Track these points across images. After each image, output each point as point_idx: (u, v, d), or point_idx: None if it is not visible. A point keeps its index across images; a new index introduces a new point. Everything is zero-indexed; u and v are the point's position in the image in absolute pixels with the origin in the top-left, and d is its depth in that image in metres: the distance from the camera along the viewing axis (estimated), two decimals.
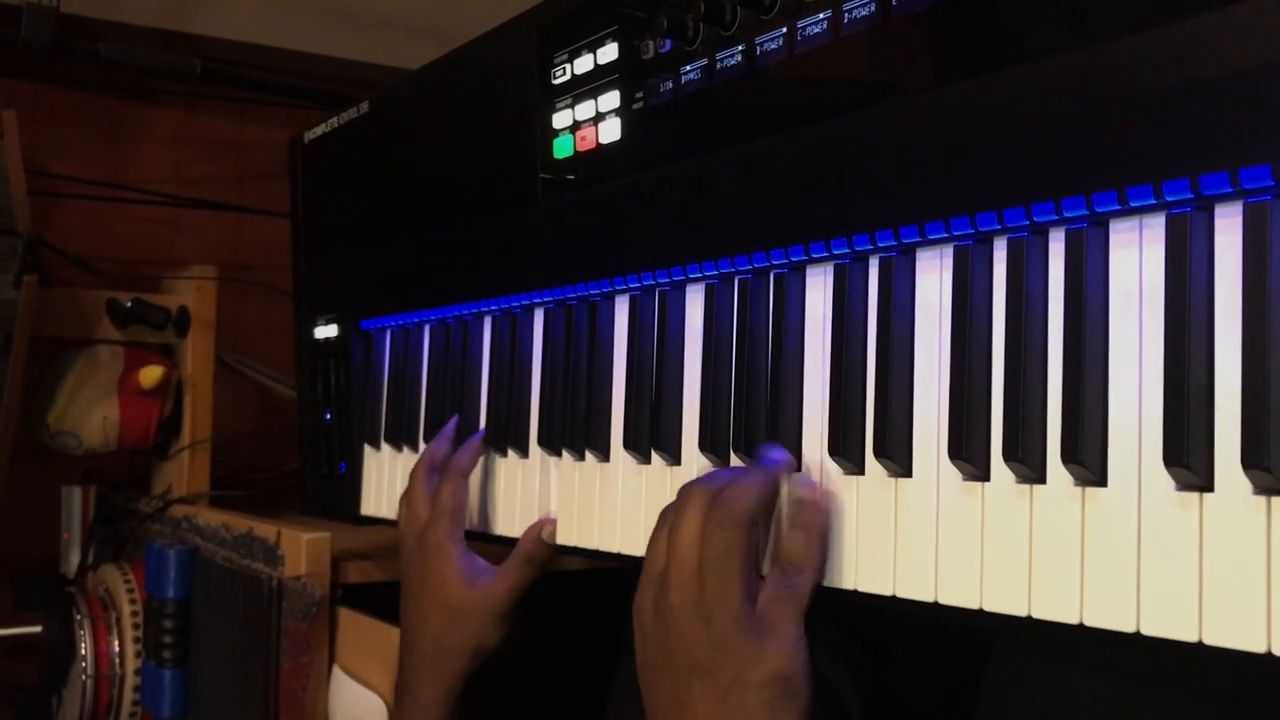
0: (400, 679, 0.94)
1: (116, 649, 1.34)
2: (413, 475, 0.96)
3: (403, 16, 1.82)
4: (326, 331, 1.16)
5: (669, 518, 0.68)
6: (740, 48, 0.71)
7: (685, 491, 0.68)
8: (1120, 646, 0.54)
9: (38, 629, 1.53)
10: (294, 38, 1.78)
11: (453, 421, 0.97)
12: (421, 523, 0.93)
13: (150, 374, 1.46)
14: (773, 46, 0.69)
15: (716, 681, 0.64)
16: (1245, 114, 0.49)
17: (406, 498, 0.96)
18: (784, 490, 0.68)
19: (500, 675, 0.93)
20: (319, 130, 1.17)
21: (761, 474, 0.67)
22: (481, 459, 0.94)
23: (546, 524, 0.87)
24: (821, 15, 0.66)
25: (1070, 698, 0.66)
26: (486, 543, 0.94)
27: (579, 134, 0.83)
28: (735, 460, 0.72)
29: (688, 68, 0.75)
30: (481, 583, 0.90)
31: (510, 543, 0.91)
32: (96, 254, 1.61)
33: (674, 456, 0.77)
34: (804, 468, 0.69)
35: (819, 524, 0.66)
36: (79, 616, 1.35)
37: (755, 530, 0.66)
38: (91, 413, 1.46)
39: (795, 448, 0.69)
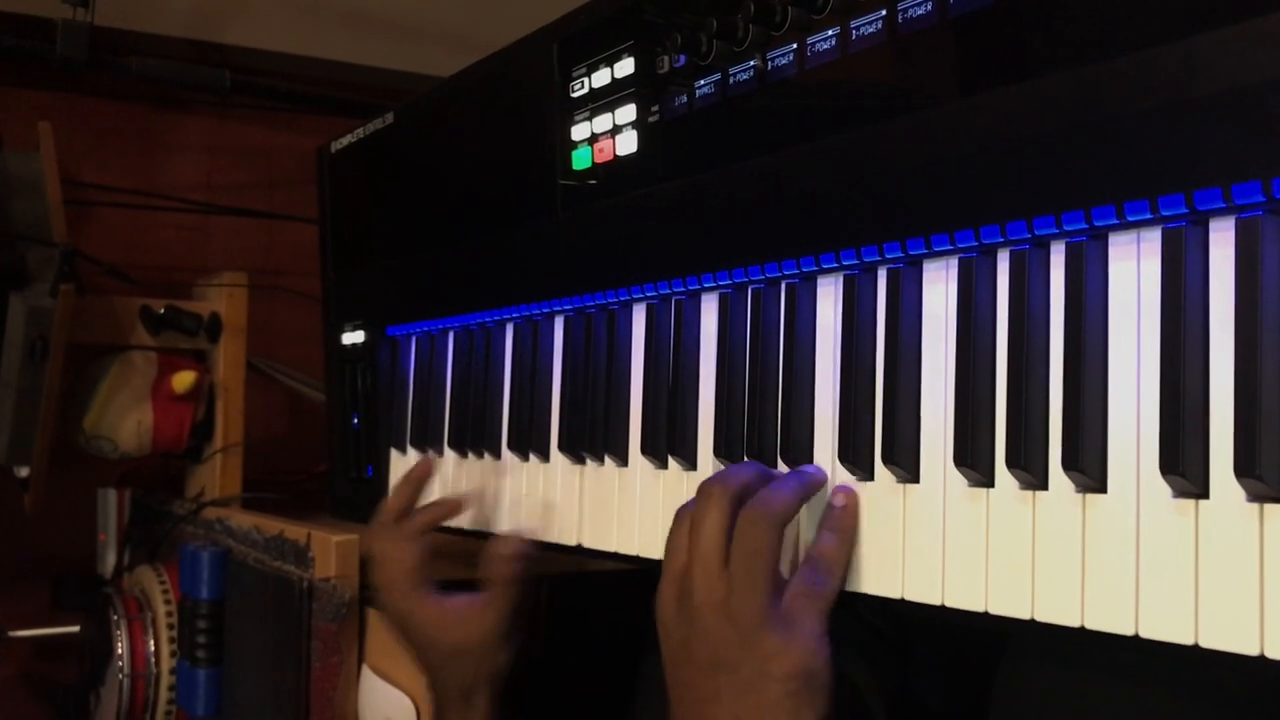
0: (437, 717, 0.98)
1: (152, 649, 1.37)
2: (373, 532, 1.00)
3: (429, 25, 1.84)
4: (354, 338, 1.18)
5: (688, 515, 0.70)
6: (752, 64, 0.73)
7: (705, 490, 0.69)
8: (1120, 649, 0.55)
9: (75, 629, 1.56)
10: (323, 46, 1.81)
11: (423, 463, 1.02)
12: (384, 585, 0.97)
13: (183, 379, 1.49)
14: (783, 63, 0.71)
15: (740, 676, 0.65)
16: (1238, 131, 0.50)
17: (370, 554, 1.00)
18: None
19: (522, 677, 0.95)
20: (345, 140, 1.19)
21: (797, 481, 0.68)
22: (505, 462, 0.97)
23: (498, 541, 0.90)
24: (831, 33, 0.68)
25: (1081, 700, 0.67)
26: None
27: (597, 146, 0.85)
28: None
29: (701, 82, 0.76)
30: (469, 618, 0.93)
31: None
32: (130, 261, 1.64)
33: (690, 461, 0.79)
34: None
35: (852, 529, 0.67)
36: (115, 617, 1.38)
37: (783, 533, 0.67)
38: (126, 417, 1.49)
39: (806, 453, 0.70)
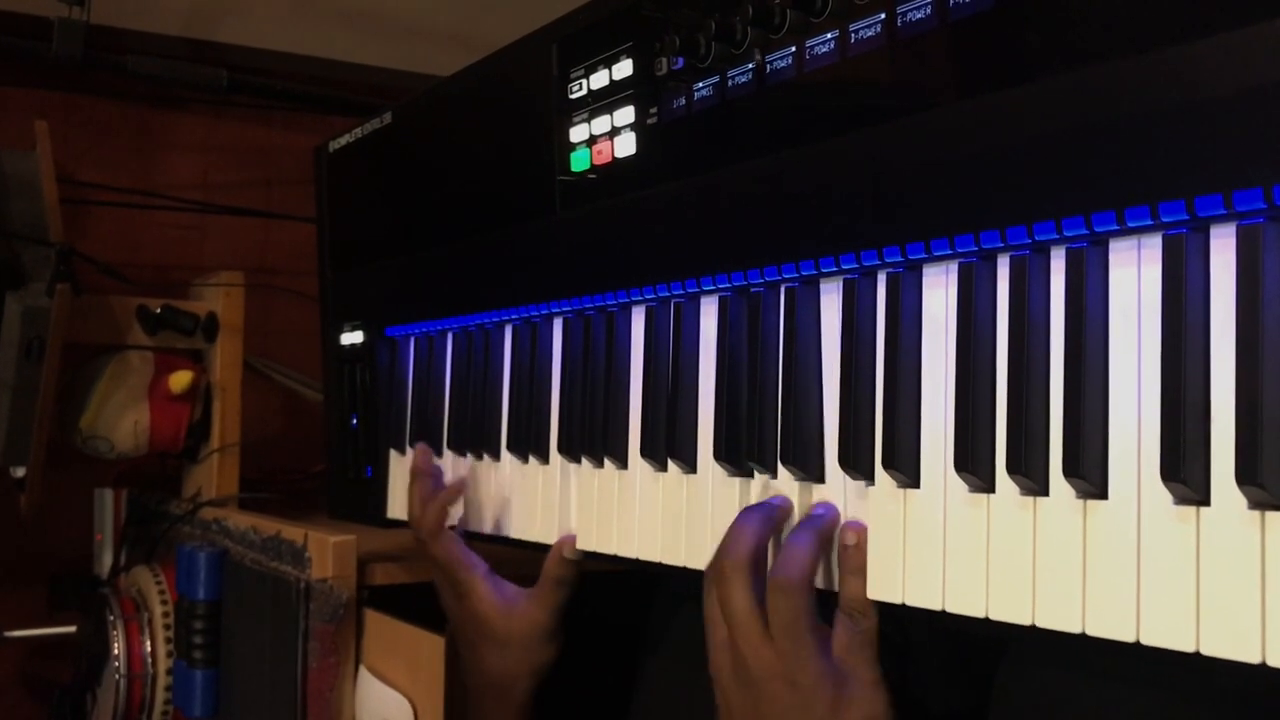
0: (471, 713, 0.98)
1: (149, 649, 1.37)
2: (429, 534, 0.99)
3: (427, 24, 1.84)
4: (352, 338, 1.18)
5: (714, 590, 0.70)
6: (751, 66, 0.72)
7: (718, 572, 0.70)
8: (1122, 655, 0.55)
9: (72, 629, 1.56)
10: (320, 45, 1.80)
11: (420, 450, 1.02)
12: (441, 574, 0.98)
13: (180, 379, 1.49)
14: (782, 65, 0.70)
15: None
16: (1239, 137, 0.50)
17: (409, 509, 1.00)
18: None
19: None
20: (343, 140, 1.19)
21: (814, 533, 0.68)
22: (504, 464, 0.96)
23: (565, 542, 0.90)
24: (830, 36, 0.68)
25: (1081, 702, 0.67)
26: (508, 547, 0.96)
27: (595, 147, 0.85)
28: (751, 468, 0.74)
29: (700, 85, 0.76)
30: (521, 610, 0.94)
31: (531, 547, 0.93)
32: (126, 260, 1.63)
33: (690, 465, 0.79)
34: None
35: (865, 564, 0.67)
36: (112, 617, 1.38)
37: (812, 588, 0.68)
38: (123, 417, 1.49)
39: (806, 457, 0.70)
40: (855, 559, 0.67)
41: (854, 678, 0.67)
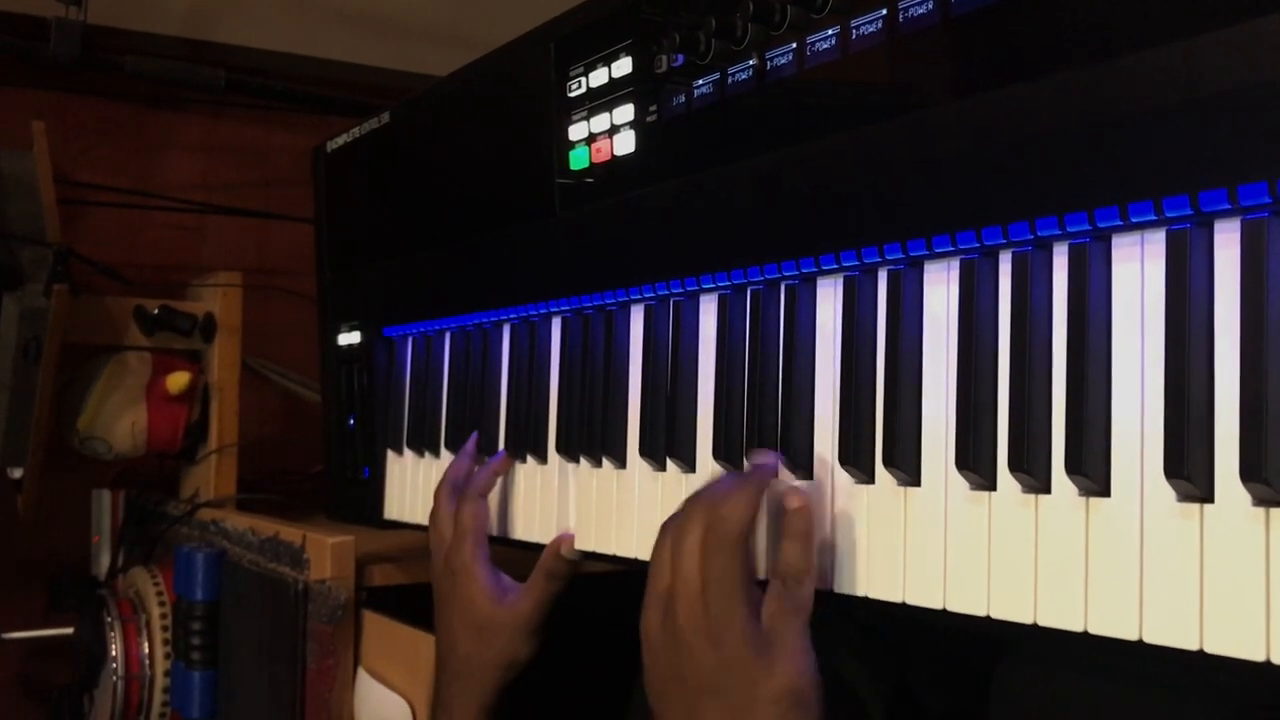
0: (436, 696, 0.96)
1: (146, 651, 1.36)
2: (436, 496, 0.98)
3: (424, 23, 1.84)
4: (350, 338, 1.18)
5: (671, 531, 0.69)
6: (751, 63, 0.72)
7: (688, 509, 0.69)
8: (1124, 654, 0.54)
9: (69, 631, 1.56)
10: (317, 45, 1.80)
11: (473, 438, 0.99)
12: (447, 544, 0.95)
13: (177, 380, 1.49)
14: (782, 62, 0.70)
15: (729, 702, 0.65)
16: (1243, 132, 0.49)
17: (432, 519, 0.98)
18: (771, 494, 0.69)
19: (518, 681, 0.94)
20: (341, 140, 1.18)
21: (749, 486, 0.68)
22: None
23: (565, 539, 0.89)
24: (830, 32, 0.67)
25: (1081, 701, 0.67)
26: (507, 547, 0.96)
27: (594, 146, 0.85)
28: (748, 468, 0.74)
29: (700, 82, 0.76)
30: (509, 600, 0.92)
31: (530, 547, 0.93)
32: (124, 261, 1.63)
33: (689, 464, 0.78)
34: (815, 476, 0.70)
35: (808, 530, 0.67)
36: (109, 619, 1.37)
37: (748, 545, 0.67)
38: (120, 418, 1.48)
39: (807, 456, 0.70)
40: (797, 523, 0.66)
41: (782, 646, 0.65)
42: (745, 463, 0.74)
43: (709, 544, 0.66)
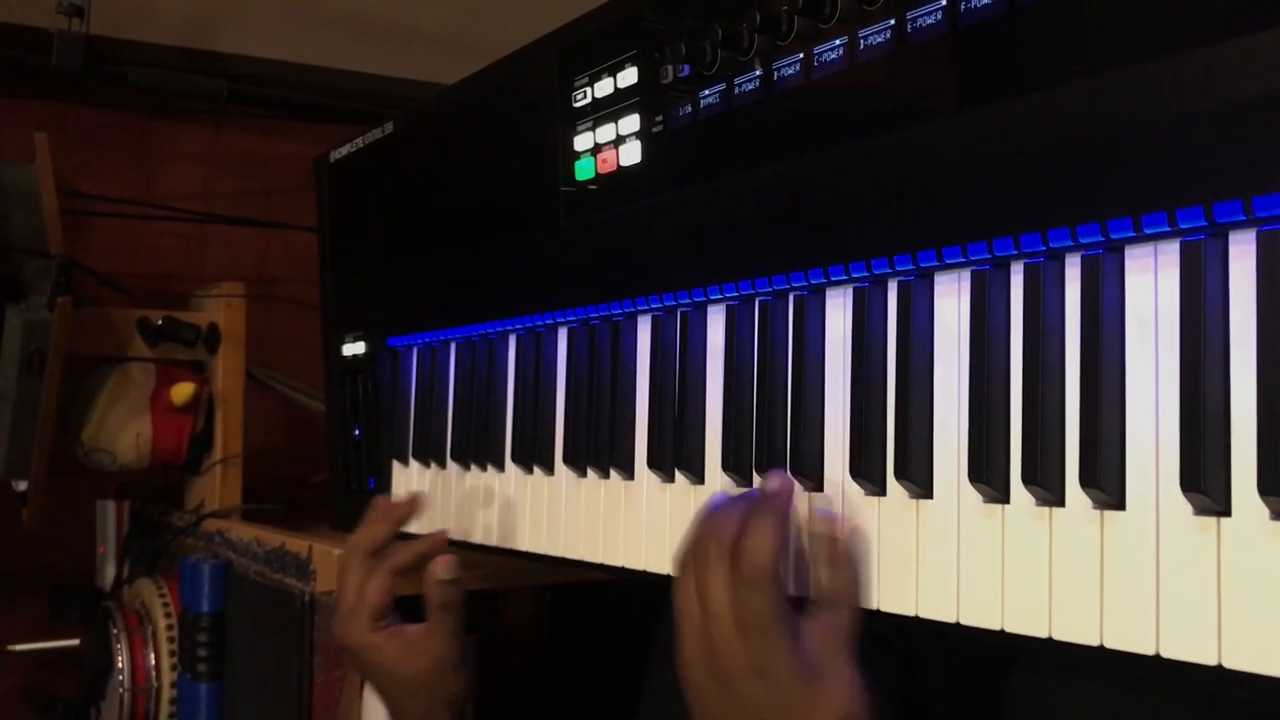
0: None
1: (152, 662, 1.36)
2: (346, 561, 0.98)
3: (427, 32, 1.83)
4: (354, 348, 1.17)
5: (691, 569, 0.69)
6: (758, 73, 0.72)
7: (705, 544, 0.68)
8: (1141, 666, 0.54)
9: (75, 642, 1.55)
10: (319, 54, 1.80)
11: (381, 501, 1.00)
12: (344, 612, 0.96)
13: (182, 390, 1.48)
14: (790, 72, 0.70)
15: None
16: (1259, 142, 0.49)
17: (339, 581, 0.98)
18: (800, 513, 0.69)
19: (528, 689, 0.94)
20: (344, 150, 1.18)
21: (771, 517, 0.67)
22: (509, 475, 0.96)
23: (436, 565, 0.91)
24: (838, 41, 0.67)
25: (1094, 714, 0.67)
26: (512, 559, 0.95)
27: (600, 156, 0.84)
28: (758, 480, 0.73)
29: (706, 92, 0.75)
30: (420, 649, 0.93)
31: (535, 559, 0.92)
32: (127, 271, 1.63)
33: (697, 476, 0.78)
34: (825, 489, 0.69)
35: (850, 554, 0.67)
36: (115, 630, 1.37)
37: (780, 577, 0.66)
38: (125, 429, 1.48)
39: (817, 468, 0.70)
40: (837, 551, 0.66)
41: (830, 673, 0.65)
42: (755, 476, 0.73)
43: (740, 582, 0.66)
